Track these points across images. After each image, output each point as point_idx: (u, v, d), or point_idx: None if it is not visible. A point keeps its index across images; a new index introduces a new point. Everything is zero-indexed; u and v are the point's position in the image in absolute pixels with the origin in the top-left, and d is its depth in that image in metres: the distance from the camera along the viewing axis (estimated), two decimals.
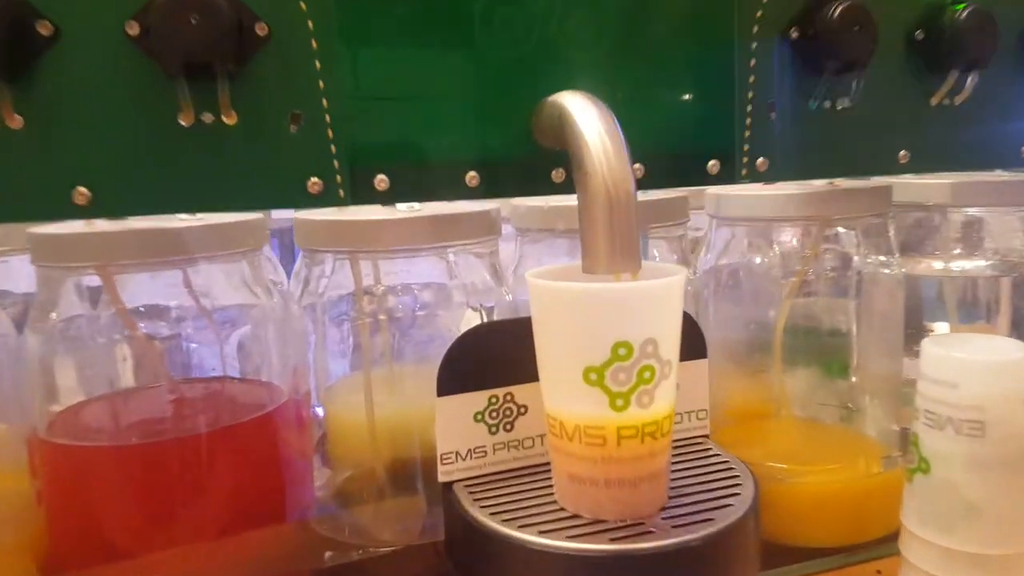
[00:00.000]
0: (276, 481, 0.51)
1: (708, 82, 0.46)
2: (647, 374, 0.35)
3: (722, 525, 0.37)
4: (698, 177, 0.47)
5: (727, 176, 0.47)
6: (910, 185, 0.63)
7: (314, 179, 0.40)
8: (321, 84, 0.39)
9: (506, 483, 0.42)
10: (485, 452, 0.42)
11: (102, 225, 0.46)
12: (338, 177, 0.40)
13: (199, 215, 0.49)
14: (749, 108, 0.47)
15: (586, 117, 0.37)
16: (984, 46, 0.50)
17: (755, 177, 0.48)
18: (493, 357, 0.42)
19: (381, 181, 0.41)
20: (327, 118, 0.40)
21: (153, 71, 0.36)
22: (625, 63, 0.44)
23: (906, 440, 0.56)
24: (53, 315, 0.48)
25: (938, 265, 0.63)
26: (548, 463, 0.41)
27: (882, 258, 0.58)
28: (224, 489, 0.48)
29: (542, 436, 0.43)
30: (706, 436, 0.47)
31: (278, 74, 0.39)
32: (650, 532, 0.37)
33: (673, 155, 0.46)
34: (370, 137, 0.40)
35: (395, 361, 0.54)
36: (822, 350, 0.61)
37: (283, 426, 0.51)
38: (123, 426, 0.49)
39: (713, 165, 0.47)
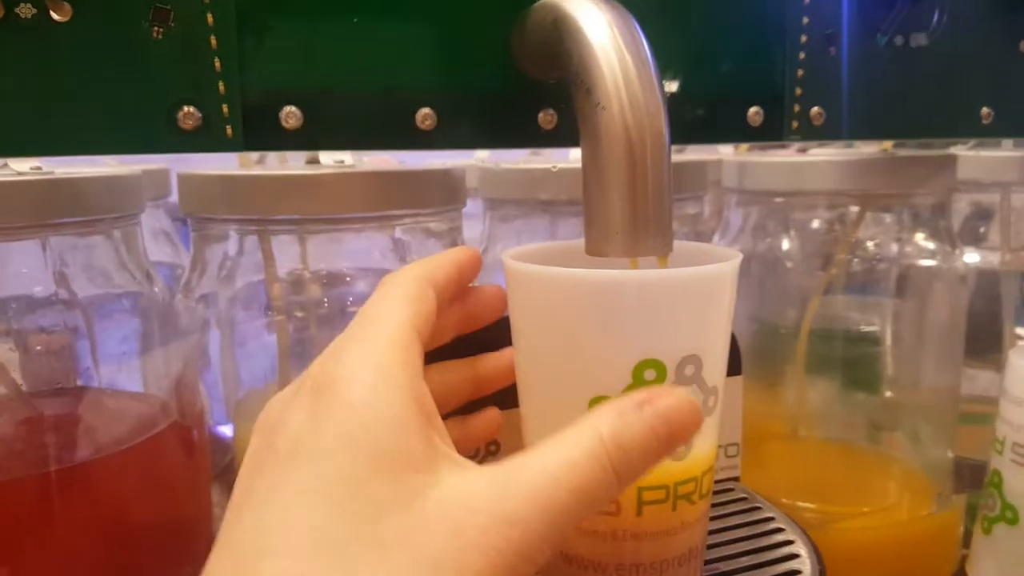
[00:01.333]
0: (159, 525, 0.38)
1: (751, 1, 0.34)
2: None
3: None
4: (735, 130, 0.35)
5: (772, 130, 0.35)
6: (963, 159, 0.51)
7: (188, 108, 0.27)
8: None
9: None
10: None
11: None
12: (225, 107, 0.27)
13: (40, 166, 0.36)
14: (803, 38, 0.35)
15: (597, 25, 0.25)
16: None
17: (808, 133, 0.36)
18: None
19: (290, 115, 0.28)
20: (209, 17, 0.27)
21: None
22: None
23: (964, 472, 0.45)
24: None
25: (992, 257, 0.52)
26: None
27: (941, 247, 0.46)
28: (89, 536, 0.35)
29: None
30: (736, 479, 0.36)
31: None
32: None
33: (702, 98, 0.34)
34: (274, 49, 0.28)
35: None
36: (857, 359, 0.50)
37: (169, 453, 0.38)
38: None
39: (755, 114, 0.35)
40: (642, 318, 0.23)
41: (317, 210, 0.34)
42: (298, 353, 0.41)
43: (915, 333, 0.48)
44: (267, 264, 0.37)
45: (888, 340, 0.49)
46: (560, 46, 0.26)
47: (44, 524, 0.34)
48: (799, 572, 0.29)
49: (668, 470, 0.24)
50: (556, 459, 0.19)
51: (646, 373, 0.23)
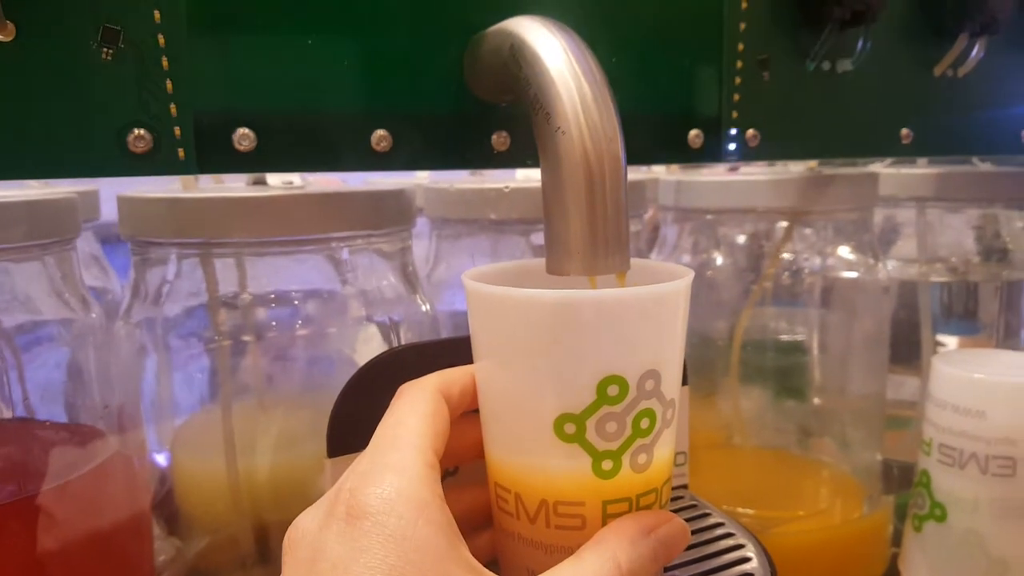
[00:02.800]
0: (99, 562, 0.37)
1: (691, 29, 0.35)
2: (645, 422, 0.24)
3: None
4: (677, 152, 0.36)
5: (712, 151, 0.36)
6: (887, 176, 0.54)
7: (139, 131, 0.26)
8: None
9: None
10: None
11: None
12: (177, 129, 0.27)
13: None
14: (739, 64, 0.37)
15: (554, 52, 0.26)
16: (1001, 5, 0.42)
17: (745, 154, 0.37)
18: None
19: (243, 137, 0.27)
20: (160, 38, 0.26)
21: None
22: None
23: (892, 474, 0.48)
24: None
25: (914, 268, 0.55)
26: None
27: (864, 259, 0.49)
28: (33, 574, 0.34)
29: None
30: (685, 487, 0.37)
31: None
32: None
33: (646, 122, 0.35)
34: (227, 70, 0.27)
35: (267, 394, 0.40)
36: (789, 368, 0.52)
37: (107, 486, 0.37)
38: None
39: (695, 136, 0.36)
40: (604, 336, 0.24)
41: (268, 232, 0.34)
42: (241, 379, 0.41)
43: (842, 342, 0.50)
44: (210, 289, 0.36)
45: (816, 349, 0.51)
46: (518, 72, 0.26)
47: None
48: (747, 561, 0.30)
49: (630, 482, 0.25)
50: None
51: (609, 389, 0.24)
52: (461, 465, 0.30)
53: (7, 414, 0.37)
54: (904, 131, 0.43)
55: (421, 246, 0.45)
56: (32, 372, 0.37)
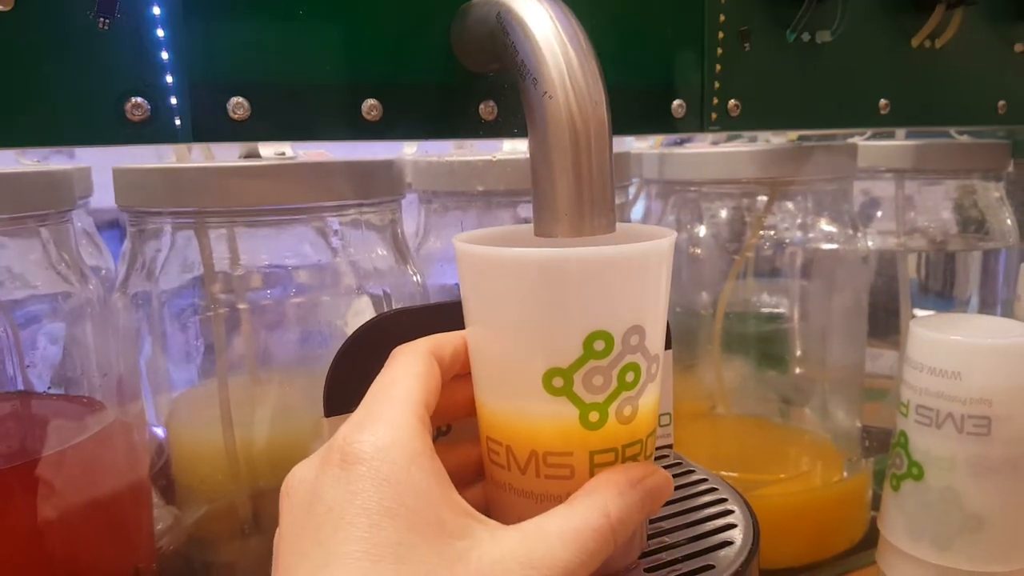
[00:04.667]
0: (99, 529, 0.38)
1: (673, 0, 0.36)
2: (630, 375, 0.25)
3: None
4: (660, 122, 0.37)
5: (694, 122, 0.37)
6: (865, 148, 0.55)
7: (136, 100, 0.27)
8: None
9: None
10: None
11: None
12: (173, 99, 0.27)
13: None
14: (721, 35, 0.37)
15: (540, 19, 0.26)
16: None
17: (726, 124, 0.38)
18: None
19: (238, 106, 0.28)
20: (155, 9, 0.27)
21: None
22: None
23: (870, 440, 0.49)
24: None
25: (889, 239, 0.57)
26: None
27: (844, 230, 0.50)
28: (27, 543, 0.35)
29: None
30: (670, 447, 0.38)
31: None
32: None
33: (630, 93, 0.36)
34: (223, 40, 0.28)
35: (261, 365, 0.41)
36: (770, 338, 0.53)
37: (107, 455, 0.38)
38: None
39: (678, 107, 0.37)
40: (590, 292, 0.24)
41: (260, 201, 0.35)
42: (235, 349, 0.41)
43: (822, 312, 0.51)
44: (205, 258, 0.37)
45: (797, 319, 0.52)
46: (505, 39, 0.27)
47: None
48: (735, 525, 0.31)
49: (616, 433, 0.26)
50: (571, 528, 0.23)
51: (595, 344, 0.25)
52: (453, 423, 0.31)
53: (7, 386, 0.38)
54: (882, 102, 0.44)
55: (411, 220, 0.46)
56: (30, 344, 0.38)
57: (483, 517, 0.24)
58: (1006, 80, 0.49)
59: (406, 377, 0.26)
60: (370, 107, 0.30)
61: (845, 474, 0.50)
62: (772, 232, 0.51)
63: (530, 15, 0.26)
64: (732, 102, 0.38)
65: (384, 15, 0.30)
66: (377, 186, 0.38)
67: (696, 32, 0.37)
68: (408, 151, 0.54)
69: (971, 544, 0.39)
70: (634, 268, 0.25)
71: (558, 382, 0.25)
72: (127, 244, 0.42)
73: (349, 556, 0.21)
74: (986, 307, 0.58)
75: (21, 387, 0.39)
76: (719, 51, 0.37)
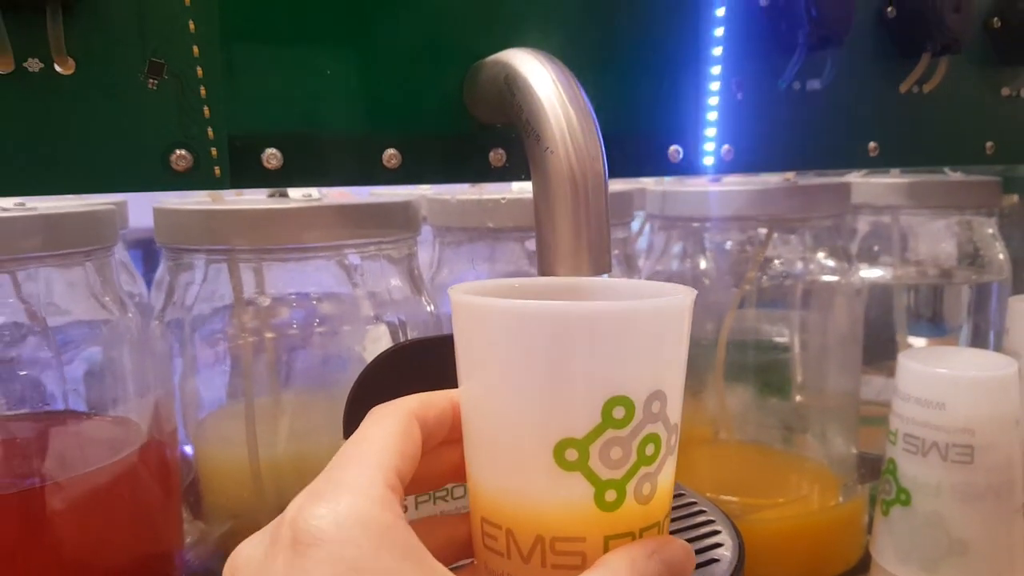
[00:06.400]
0: (134, 542, 0.40)
1: (670, 54, 0.39)
2: (650, 448, 0.23)
3: None
4: (658, 165, 0.39)
5: (689, 165, 0.40)
6: (861, 185, 0.58)
7: (180, 152, 0.30)
8: (191, 24, 0.29)
9: None
10: (406, 507, 0.33)
11: None
12: (213, 150, 0.30)
13: (23, 202, 0.38)
14: (715, 86, 0.40)
15: (544, 81, 0.29)
16: (960, 28, 0.45)
17: (720, 167, 0.41)
18: (415, 386, 0.33)
19: (271, 157, 0.31)
20: (199, 70, 0.30)
21: None
22: (573, 24, 0.37)
23: (864, 466, 0.51)
24: None
25: (890, 272, 0.59)
26: None
27: (839, 264, 0.52)
28: (68, 555, 0.37)
29: None
30: None
31: (133, 8, 0.29)
32: None
33: (629, 139, 0.39)
34: (258, 97, 0.31)
35: (285, 388, 0.44)
36: (770, 367, 0.55)
37: (143, 472, 0.40)
38: None
39: (675, 151, 0.40)
40: (612, 351, 0.22)
41: (288, 240, 0.38)
42: (262, 374, 0.44)
43: (818, 341, 0.54)
44: (236, 290, 0.40)
45: (795, 349, 0.54)
46: (511, 98, 0.30)
47: (30, 535, 0.36)
48: (718, 533, 0.33)
49: (634, 514, 0.23)
50: None
51: (615, 411, 0.22)
52: (432, 490, 0.28)
53: (52, 406, 0.41)
54: (871, 144, 0.46)
55: (425, 252, 0.49)
56: (74, 368, 0.41)
57: None
58: (993, 122, 0.52)
59: (379, 438, 0.22)
60: (390, 156, 0.33)
61: (841, 499, 0.52)
62: (770, 265, 0.53)
63: (534, 78, 0.29)
64: (726, 147, 0.41)
65: (402, 73, 0.33)
66: (394, 224, 0.41)
67: (692, 82, 0.40)
68: (425, 189, 0.57)
69: (957, 567, 0.41)
70: (658, 325, 0.23)
71: (572, 455, 0.22)
72: (162, 275, 0.45)
73: None
74: (978, 338, 0.59)
75: (64, 407, 0.42)
76: (713, 100, 0.40)
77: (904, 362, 0.43)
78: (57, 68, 0.28)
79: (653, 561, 0.22)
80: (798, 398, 0.56)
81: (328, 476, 0.21)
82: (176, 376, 0.43)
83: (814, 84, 0.43)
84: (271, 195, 0.42)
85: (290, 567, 0.18)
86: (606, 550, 0.23)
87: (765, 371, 0.56)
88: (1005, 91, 0.52)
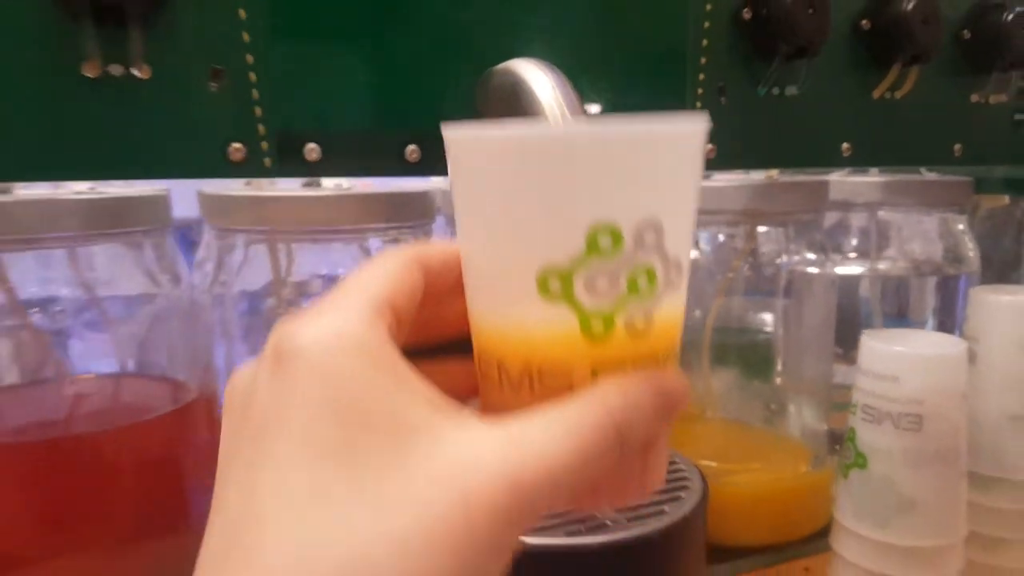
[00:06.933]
0: (183, 485, 0.46)
1: (660, 62, 0.44)
2: (643, 280, 0.22)
3: (676, 517, 0.35)
4: None
5: None
6: (841, 184, 0.63)
7: (236, 145, 0.35)
8: (246, 36, 0.35)
9: None
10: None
11: None
12: (264, 144, 0.36)
13: (93, 187, 0.43)
14: (700, 91, 0.45)
15: (544, 87, 0.34)
16: (929, 39, 0.50)
17: (705, 166, 0.46)
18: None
19: (312, 151, 0.37)
20: (252, 76, 0.35)
21: (53, 12, 0.31)
22: (573, 36, 0.42)
23: (834, 441, 0.56)
24: None
25: (862, 266, 0.64)
26: None
27: (814, 256, 0.58)
28: (127, 492, 0.43)
29: None
30: None
31: (198, 23, 0.34)
32: (605, 525, 0.34)
33: None
34: (301, 99, 0.37)
35: None
36: (751, 351, 0.60)
37: (192, 425, 0.46)
38: (17, 422, 0.43)
39: None
40: (595, 175, 0.21)
41: (319, 224, 0.43)
42: None
43: (795, 328, 0.59)
44: (274, 267, 0.45)
45: (774, 334, 0.60)
46: (518, 102, 0.35)
47: (96, 474, 0.42)
48: (686, 479, 0.38)
49: (624, 346, 0.22)
50: (562, 426, 0.20)
51: (601, 239, 0.21)
52: (441, 340, 0.28)
53: (114, 369, 0.47)
54: (844, 145, 0.51)
55: (439, 238, 0.54)
56: (132, 335, 0.47)
57: (456, 411, 0.20)
58: (962, 126, 0.56)
59: (372, 272, 0.22)
60: (411, 151, 0.39)
61: (812, 467, 0.57)
62: (754, 257, 0.59)
63: (537, 85, 0.35)
64: (709, 147, 0.46)
65: (423, 80, 0.38)
66: (412, 212, 0.46)
67: (679, 88, 0.45)
68: (440, 182, 0.63)
69: (905, 523, 0.46)
70: (647, 150, 0.21)
71: (555, 284, 0.21)
72: (203, 255, 0.51)
73: (282, 461, 0.19)
74: (946, 327, 0.64)
75: (124, 369, 0.47)
76: (698, 105, 0.45)
77: (866, 340, 0.48)
78: (135, 73, 0.34)
79: (644, 389, 0.21)
80: (777, 379, 0.61)
81: (316, 304, 0.21)
82: (219, 345, 0.49)
83: (792, 90, 0.48)
84: (306, 184, 0.47)
85: (272, 376, 0.19)
86: (595, 381, 0.22)
87: (748, 354, 0.61)
88: (974, 97, 0.56)
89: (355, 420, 0.19)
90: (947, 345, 0.46)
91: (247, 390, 0.20)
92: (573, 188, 0.21)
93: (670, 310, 0.22)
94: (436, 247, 0.25)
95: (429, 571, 0.18)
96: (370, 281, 0.22)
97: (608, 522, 0.35)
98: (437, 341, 0.27)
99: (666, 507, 0.36)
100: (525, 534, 0.20)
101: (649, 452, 0.23)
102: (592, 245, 0.21)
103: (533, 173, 0.21)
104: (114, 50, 0.33)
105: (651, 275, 0.22)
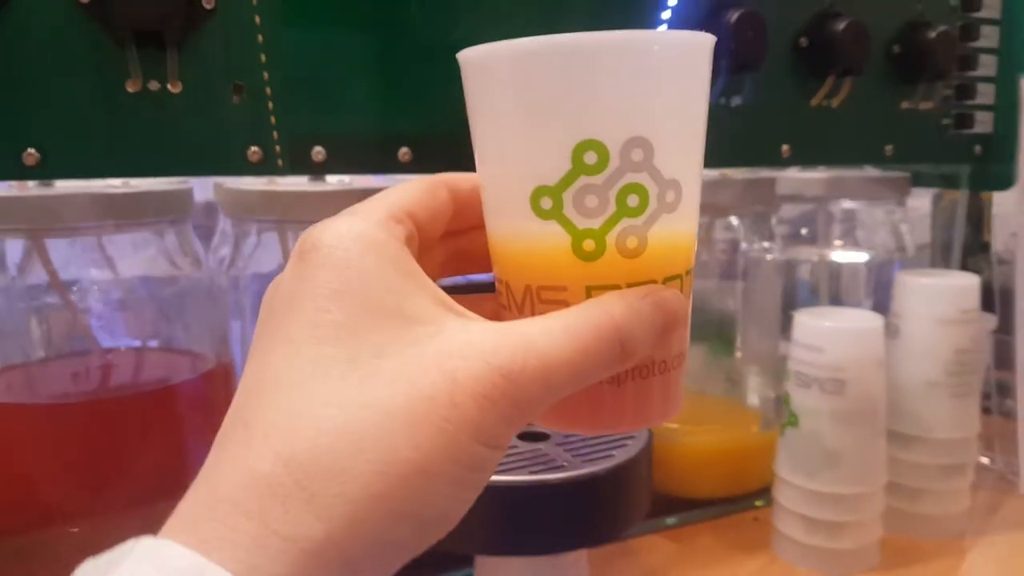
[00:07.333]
0: (206, 440, 0.53)
1: None
2: (633, 199, 0.22)
3: (623, 459, 0.42)
4: None
5: None
6: (793, 179, 0.70)
7: (254, 148, 0.42)
8: (263, 57, 0.42)
9: None
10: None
11: (33, 189, 0.47)
12: (277, 147, 0.43)
13: (125, 182, 0.50)
14: None
15: None
16: (859, 54, 0.57)
17: None
18: None
19: (318, 153, 0.43)
20: (268, 90, 0.42)
21: (103, 39, 0.38)
22: None
23: (782, 407, 0.63)
24: None
25: (813, 253, 0.71)
26: None
27: (765, 245, 0.65)
28: (154, 449, 0.50)
29: None
30: None
31: (222, 46, 0.41)
32: (562, 466, 0.41)
33: None
34: (309, 110, 0.43)
35: None
36: (712, 328, 0.67)
37: (212, 389, 0.53)
38: (59, 387, 0.50)
39: None
40: (576, 91, 0.21)
41: (324, 214, 0.50)
42: None
43: (749, 307, 0.66)
44: (285, 251, 0.52)
45: (731, 313, 0.67)
46: None
47: (131, 434, 0.49)
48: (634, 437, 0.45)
49: (616, 266, 0.22)
50: (559, 323, 0.20)
51: (586, 156, 0.21)
52: (479, 271, 0.28)
53: (140, 343, 0.54)
54: (784, 147, 0.58)
55: None
56: (156, 313, 0.54)
57: (463, 311, 0.21)
58: (893, 129, 0.63)
59: (398, 188, 0.24)
60: (404, 153, 0.45)
61: (761, 428, 0.64)
62: (713, 245, 0.66)
63: None
64: None
65: (412, 94, 0.45)
66: None
67: None
68: None
69: (831, 473, 0.54)
70: (629, 63, 0.21)
71: (546, 203, 0.22)
72: (217, 242, 0.57)
73: (291, 339, 0.20)
74: (882, 306, 0.72)
75: (146, 342, 0.54)
76: None
77: (798, 317, 0.55)
78: (169, 88, 0.40)
79: (647, 302, 0.22)
80: (734, 353, 0.68)
81: (342, 212, 0.23)
82: (236, 319, 0.56)
83: (737, 100, 0.55)
84: (311, 180, 0.54)
85: (294, 270, 0.21)
86: (589, 299, 0.22)
87: (709, 332, 0.68)
88: (904, 104, 0.63)
89: (362, 307, 0.20)
90: (866, 320, 0.54)
91: (275, 286, 0.22)
92: (556, 102, 0.21)
93: (667, 232, 0.22)
94: (467, 175, 0.26)
95: (409, 446, 0.19)
96: (392, 194, 0.23)
97: (564, 463, 0.42)
98: (472, 271, 0.28)
99: (614, 452, 0.43)
100: (520, 429, 0.20)
101: (669, 374, 0.24)
102: (577, 162, 0.21)
103: (520, 87, 0.21)
104: (152, 69, 0.39)
105: (642, 193, 0.21)
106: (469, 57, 0.22)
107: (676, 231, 0.23)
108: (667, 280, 0.23)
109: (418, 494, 0.19)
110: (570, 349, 0.20)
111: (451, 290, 0.23)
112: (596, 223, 0.22)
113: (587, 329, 0.20)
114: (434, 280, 0.22)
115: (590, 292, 0.22)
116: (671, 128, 0.22)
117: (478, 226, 0.25)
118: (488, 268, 0.25)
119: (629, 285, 0.22)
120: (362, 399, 0.19)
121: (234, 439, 0.20)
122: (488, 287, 0.26)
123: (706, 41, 0.22)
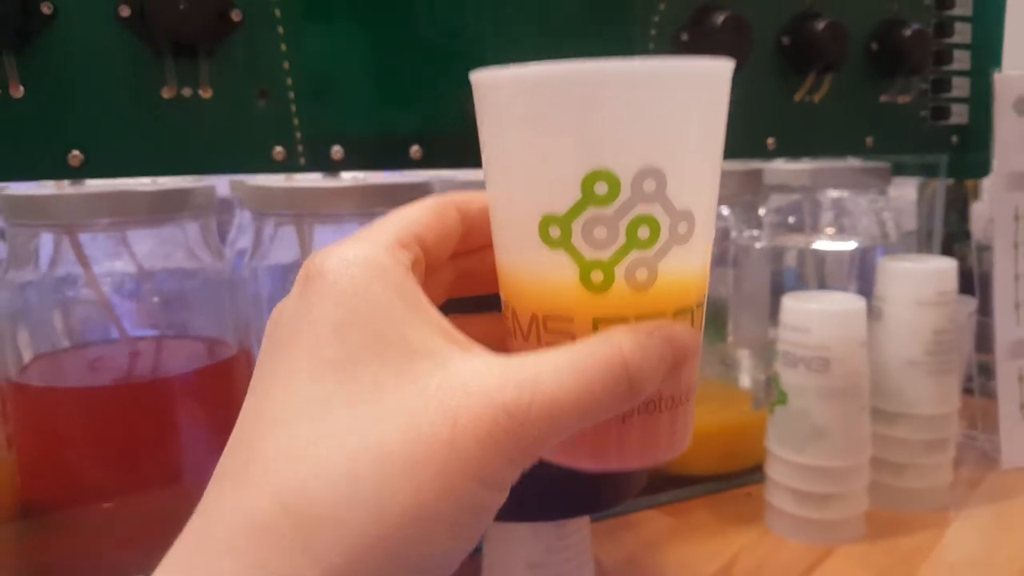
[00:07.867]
0: (228, 425, 0.56)
1: None
2: (644, 231, 0.21)
3: None
4: None
5: None
6: (780, 170, 0.73)
7: (278, 148, 0.45)
8: (286, 65, 0.45)
9: None
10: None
11: (69, 187, 0.50)
12: (299, 147, 0.46)
13: (153, 180, 0.53)
14: None
15: None
16: (838, 52, 0.60)
17: None
18: None
19: (336, 152, 0.47)
20: (291, 95, 0.45)
21: (141, 50, 0.41)
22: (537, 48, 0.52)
23: (771, 387, 0.67)
24: (22, 271, 0.51)
25: (801, 240, 0.75)
26: None
27: (754, 233, 0.68)
28: (180, 432, 0.53)
29: None
30: None
31: (249, 55, 0.44)
32: None
33: None
34: (329, 112, 0.47)
35: None
36: (709, 314, 0.71)
37: (234, 376, 0.56)
38: (91, 373, 0.53)
39: None
40: (588, 119, 0.20)
41: (338, 209, 0.53)
42: None
43: (739, 294, 0.69)
44: (302, 243, 0.56)
45: (723, 299, 0.70)
46: None
47: (162, 417, 0.52)
48: None
49: (625, 299, 0.22)
50: (566, 359, 0.20)
51: (596, 186, 0.21)
52: (485, 291, 0.27)
53: (168, 332, 0.57)
54: (769, 140, 0.62)
55: None
56: (180, 302, 0.57)
57: (467, 342, 0.21)
58: (873, 122, 0.67)
59: (405, 210, 0.24)
60: (415, 150, 0.49)
61: (752, 408, 0.68)
62: None
63: None
64: None
65: (423, 96, 0.49)
66: (413, 198, 0.54)
67: None
68: (437, 173, 0.73)
69: (817, 447, 0.57)
70: (641, 92, 0.20)
71: (555, 231, 0.21)
72: (234, 235, 0.61)
73: (293, 373, 0.20)
74: (866, 290, 0.75)
75: (177, 331, 0.58)
76: None
77: (785, 300, 0.58)
78: (201, 94, 0.44)
79: (656, 338, 0.21)
80: (727, 337, 0.72)
81: (347, 237, 0.22)
82: (257, 307, 0.59)
83: None
84: (327, 176, 0.58)
85: (298, 298, 0.21)
86: (596, 331, 0.22)
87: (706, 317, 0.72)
88: (883, 98, 0.67)
89: (365, 339, 0.19)
90: (849, 302, 0.57)
91: (279, 312, 0.22)
92: (567, 130, 0.20)
93: (679, 265, 0.22)
94: (477, 195, 0.25)
95: (408, 489, 0.18)
96: (400, 217, 0.23)
97: None
98: (481, 291, 0.27)
99: None
100: (523, 470, 0.19)
101: (677, 409, 0.23)
102: (587, 192, 0.20)
103: (530, 114, 0.21)
104: (185, 77, 0.43)
105: (653, 226, 0.21)
106: (481, 80, 0.22)
107: (688, 264, 0.22)
108: (677, 313, 0.22)
109: (417, 539, 0.18)
110: (578, 387, 0.19)
111: (457, 305, 0.23)
112: (605, 254, 0.21)
113: (596, 366, 0.20)
114: (442, 300, 0.23)
115: (597, 324, 0.22)
116: (685, 158, 0.21)
117: (487, 246, 0.25)
118: (496, 288, 0.25)
119: (638, 318, 0.22)
120: (363, 440, 0.19)
121: (232, 475, 0.20)
122: (495, 302, 0.26)
123: (724, 68, 0.22)
